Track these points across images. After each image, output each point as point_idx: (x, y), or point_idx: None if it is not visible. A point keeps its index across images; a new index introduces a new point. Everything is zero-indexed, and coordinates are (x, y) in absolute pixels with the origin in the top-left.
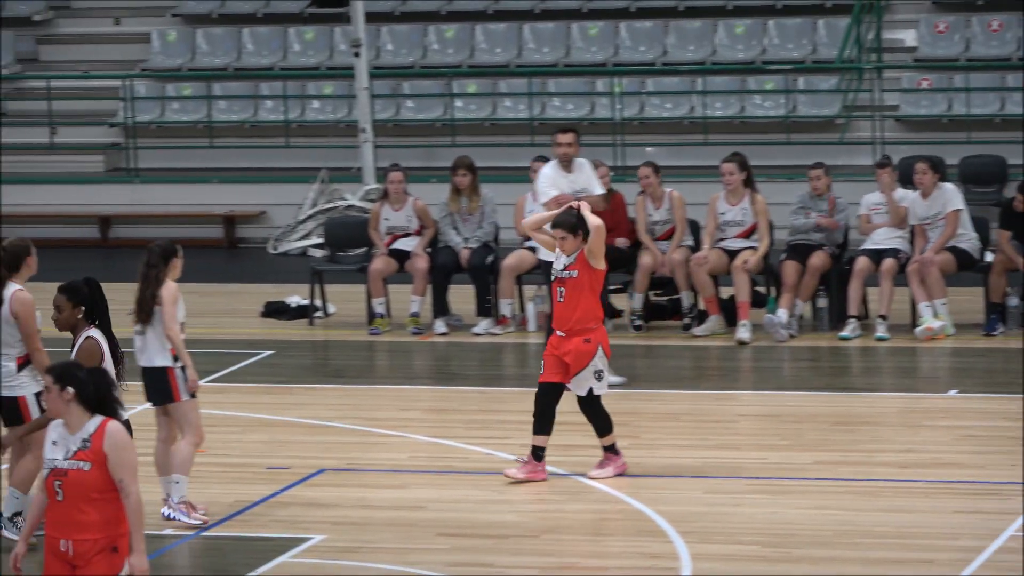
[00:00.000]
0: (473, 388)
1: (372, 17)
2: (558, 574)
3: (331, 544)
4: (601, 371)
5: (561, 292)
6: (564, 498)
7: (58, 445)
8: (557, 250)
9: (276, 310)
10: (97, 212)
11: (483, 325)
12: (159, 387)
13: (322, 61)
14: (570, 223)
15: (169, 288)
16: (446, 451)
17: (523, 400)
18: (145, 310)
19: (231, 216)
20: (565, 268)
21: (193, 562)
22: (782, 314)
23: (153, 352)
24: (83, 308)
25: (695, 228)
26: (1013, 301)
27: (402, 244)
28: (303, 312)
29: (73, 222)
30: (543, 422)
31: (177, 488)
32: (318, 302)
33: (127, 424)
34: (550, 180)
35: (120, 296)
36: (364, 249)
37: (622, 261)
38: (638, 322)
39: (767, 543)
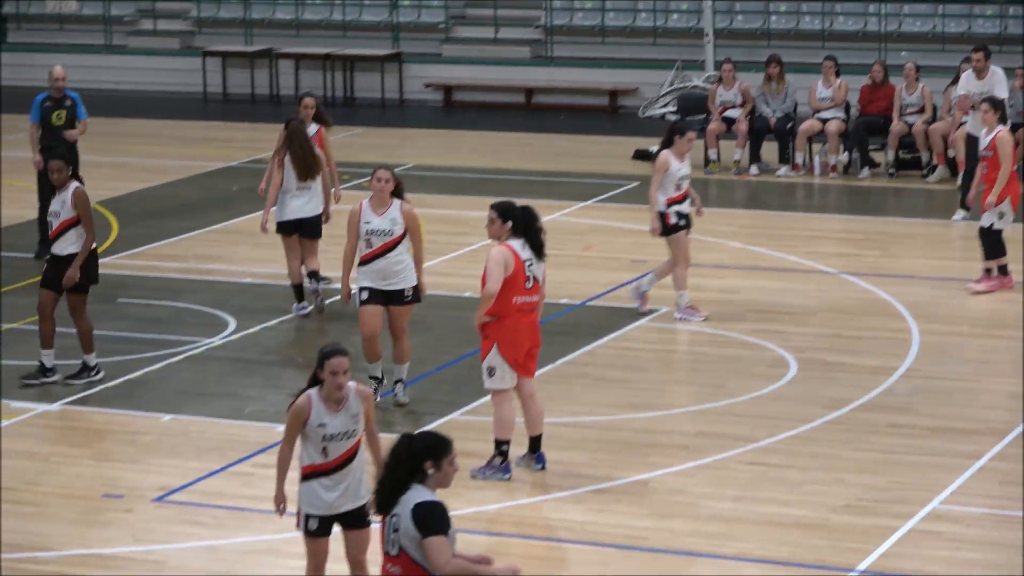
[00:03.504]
0: (775, 212)
1: None
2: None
3: None
4: (1004, 214)
5: (983, 165)
6: (833, 287)
7: None
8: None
9: (642, 155)
10: (523, 85)
11: (783, 170)
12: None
13: None
14: (997, 102)
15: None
16: (756, 255)
17: (805, 221)
18: None
19: (614, 90)
20: (985, 148)
21: None
22: None
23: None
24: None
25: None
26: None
27: (730, 113)
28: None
29: (507, 92)
30: (996, 250)
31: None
32: None
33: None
34: (964, 83)
35: (537, 142)
36: (704, 115)
37: (882, 128)
38: (892, 171)
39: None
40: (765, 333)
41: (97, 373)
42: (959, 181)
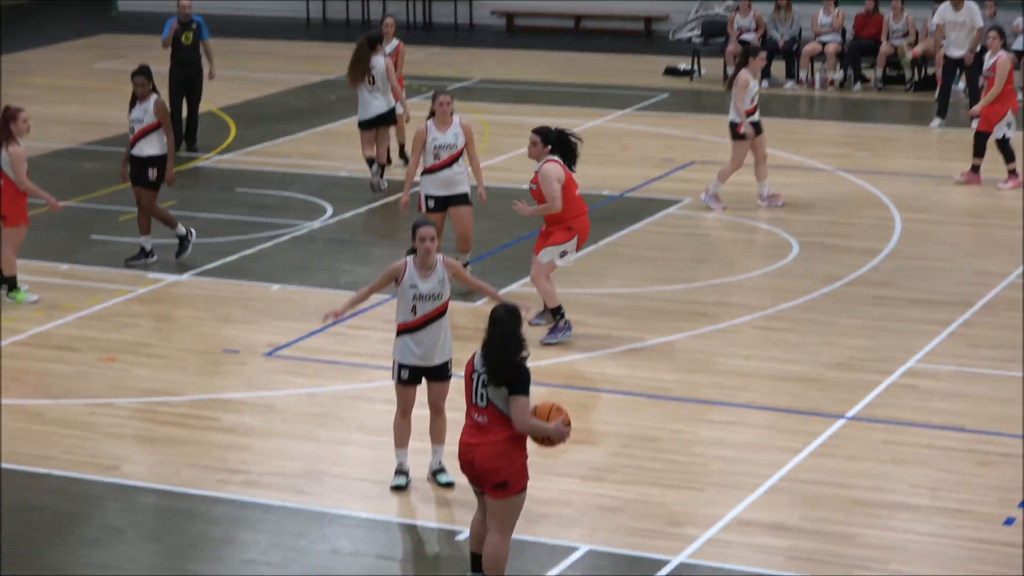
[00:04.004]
0: (782, 119)
1: None
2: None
3: None
4: (1011, 124)
5: (984, 83)
6: (830, 182)
7: None
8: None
9: (671, 71)
10: (573, 13)
11: (789, 84)
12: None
13: None
14: (1002, 31)
15: None
16: (767, 155)
17: (807, 127)
18: None
19: (648, 17)
20: (988, 69)
21: None
22: None
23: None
24: (151, 83)
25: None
26: None
27: (746, 36)
28: (688, 73)
29: (560, 18)
30: (1011, 154)
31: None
32: (695, 67)
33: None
34: (941, 13)
35: (584, 60)
36: (724, 38)
37: (872, 50)
38: (880, 85)
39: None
40: (773, 220)
41: (191, 236)
42: (936, 94)
